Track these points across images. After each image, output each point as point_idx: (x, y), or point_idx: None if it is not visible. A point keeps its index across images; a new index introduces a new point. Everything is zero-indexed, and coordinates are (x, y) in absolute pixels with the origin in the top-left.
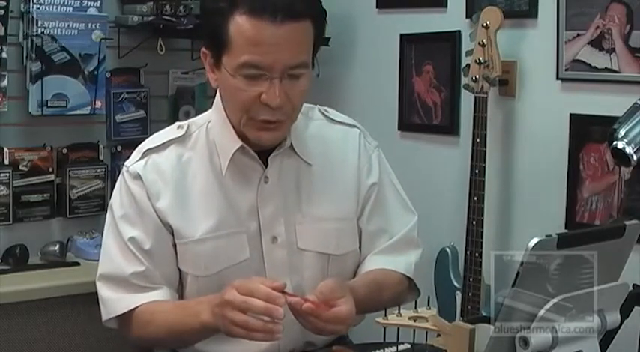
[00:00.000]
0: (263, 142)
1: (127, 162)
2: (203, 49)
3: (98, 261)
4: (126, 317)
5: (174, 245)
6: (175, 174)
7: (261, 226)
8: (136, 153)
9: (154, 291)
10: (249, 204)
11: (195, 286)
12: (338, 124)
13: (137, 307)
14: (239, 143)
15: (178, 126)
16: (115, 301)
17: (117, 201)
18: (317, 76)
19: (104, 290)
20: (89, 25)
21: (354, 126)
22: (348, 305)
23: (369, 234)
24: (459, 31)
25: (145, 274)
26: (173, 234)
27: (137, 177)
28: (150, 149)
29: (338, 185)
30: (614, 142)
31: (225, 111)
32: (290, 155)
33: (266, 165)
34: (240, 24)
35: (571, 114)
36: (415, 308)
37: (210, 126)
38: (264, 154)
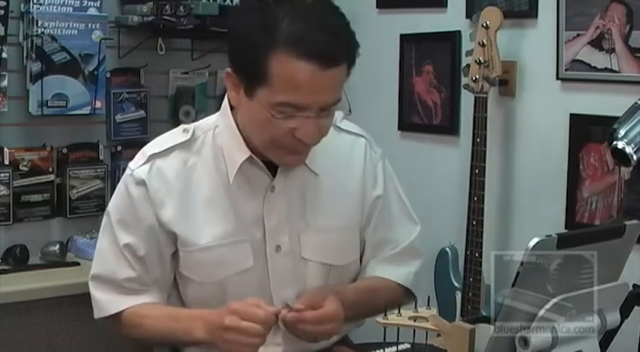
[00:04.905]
0: (287, 166)
1: (130, 165)
2: (229, 71)
3: None
4: (116, 318)
5: (175, 251)
6: (180, 180)
7: (265, 235)
8: (141, 157)
9: (145, 294)
10: (255, 213)
11: (199, 292)
12: (345, 133)
13: (127, 308)
14: (248, 153)
15: (184, 130)
16: (106, 302)
17: (115, 203)
18: (349, 113)
19: (96, 292)
20: (89, 25)
21: (361, 135)
22: (332, 304)
23: (373, 243)
24: (459, 31)
25: (137, 279)
26: (176, 242)
27: (141, 182)
28: (154, 154)
29: (343, 195)
30: (614, 142)
31: (236, 123)
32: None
33: (273, 173)
34: (282, 64)
35: (571, 114)
36: (415, 308)
37: (218, 132)
38: (271, 163)
